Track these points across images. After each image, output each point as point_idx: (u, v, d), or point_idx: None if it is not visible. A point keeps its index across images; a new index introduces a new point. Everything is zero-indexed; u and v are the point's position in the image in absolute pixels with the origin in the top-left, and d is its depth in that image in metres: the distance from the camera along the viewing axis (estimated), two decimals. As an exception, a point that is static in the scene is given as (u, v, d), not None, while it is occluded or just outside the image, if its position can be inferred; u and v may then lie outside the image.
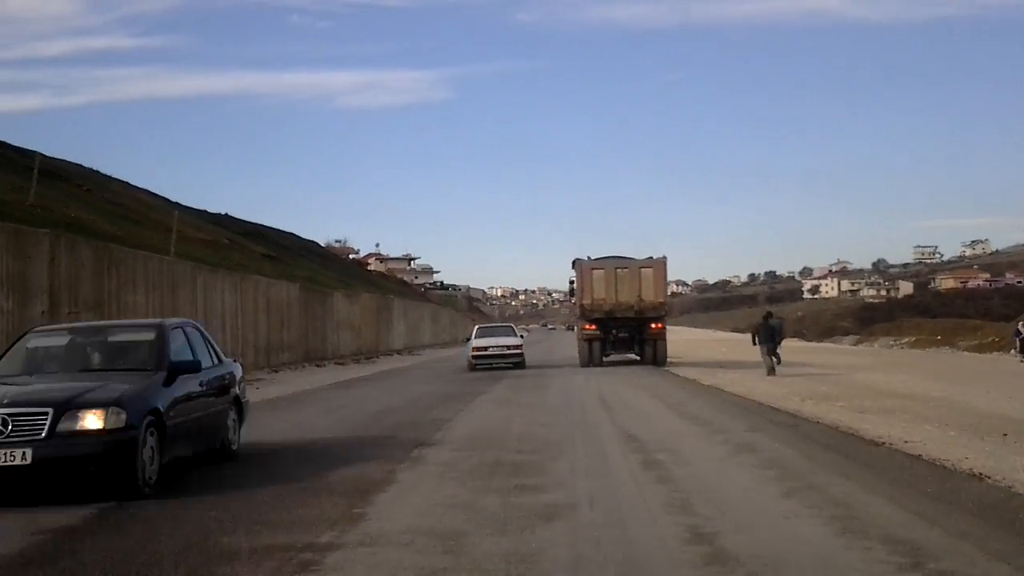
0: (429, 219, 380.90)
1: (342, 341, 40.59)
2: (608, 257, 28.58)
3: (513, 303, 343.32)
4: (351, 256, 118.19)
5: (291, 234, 74.53)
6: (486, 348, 29.31)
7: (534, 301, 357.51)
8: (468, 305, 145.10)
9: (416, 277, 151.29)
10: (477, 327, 34.35)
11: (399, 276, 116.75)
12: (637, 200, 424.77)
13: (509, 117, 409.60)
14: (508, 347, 29.50)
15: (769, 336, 23.64)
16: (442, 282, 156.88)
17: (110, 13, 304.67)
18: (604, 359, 28.65)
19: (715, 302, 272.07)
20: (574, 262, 30.19)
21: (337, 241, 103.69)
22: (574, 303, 32.06)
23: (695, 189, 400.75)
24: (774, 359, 23.31)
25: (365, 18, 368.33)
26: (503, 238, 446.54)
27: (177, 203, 48.75)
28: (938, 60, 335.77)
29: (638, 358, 29.14)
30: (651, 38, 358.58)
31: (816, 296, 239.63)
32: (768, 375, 22.37)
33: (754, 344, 24.06)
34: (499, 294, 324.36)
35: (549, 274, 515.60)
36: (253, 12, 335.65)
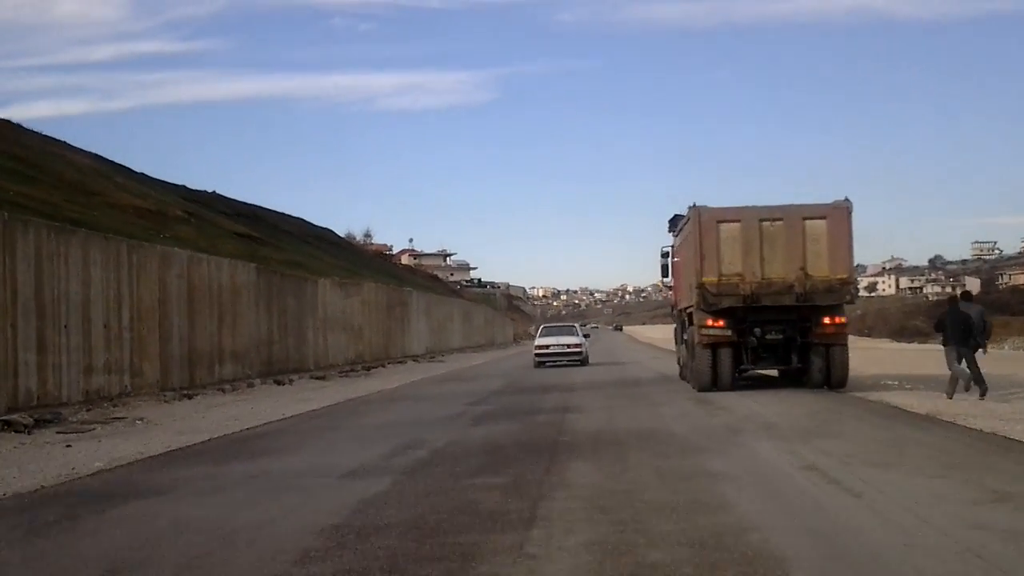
0: (469, 219, 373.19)
1: (332, 346, 29.95)
2: (748, 207, 16.22)
3: (554, 303, 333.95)
4: (386, 253, 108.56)
5: (299, 219, 64.32)
6: (548, 346, 30.59)
7: (576, 301, 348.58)
8: (507, 304, 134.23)
9: (452, 274, 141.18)
10: (542, 327, 37.45)
11: (432, 272, 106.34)
12: (680, 199, 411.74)
13: (551, 117, 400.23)
14: (569, 346, 30.63)
15: (961, 331, 13.98)
16: (479, 279, 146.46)
17: (155, 18, 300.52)
18: (739, 376, 16.59)
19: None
20: (672, 221, 19.31)
21: (366, 236, 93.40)
22: (672, 289, 21.14)
23: (739, 187, 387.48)
24: (970, 368, 13.84)
25: (406, 20, 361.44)
26: (545, 238, 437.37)
27: (128, 169, 38.50)
28: (987, 57, 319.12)
29: (789, 369, 16.61)
30: (694, 37, 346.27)
31: (873, 294, 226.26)
32: (979, 396, 13.48)
33: (945, 344, 14.26)
34: (540, 294, 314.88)
35: (591, 274, 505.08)
36: (295, 15, 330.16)
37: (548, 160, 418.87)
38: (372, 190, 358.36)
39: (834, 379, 15.93)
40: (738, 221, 15.87)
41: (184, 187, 47.45)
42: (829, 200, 16.07)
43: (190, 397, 17.50)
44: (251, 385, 20.93)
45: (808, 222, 15.77)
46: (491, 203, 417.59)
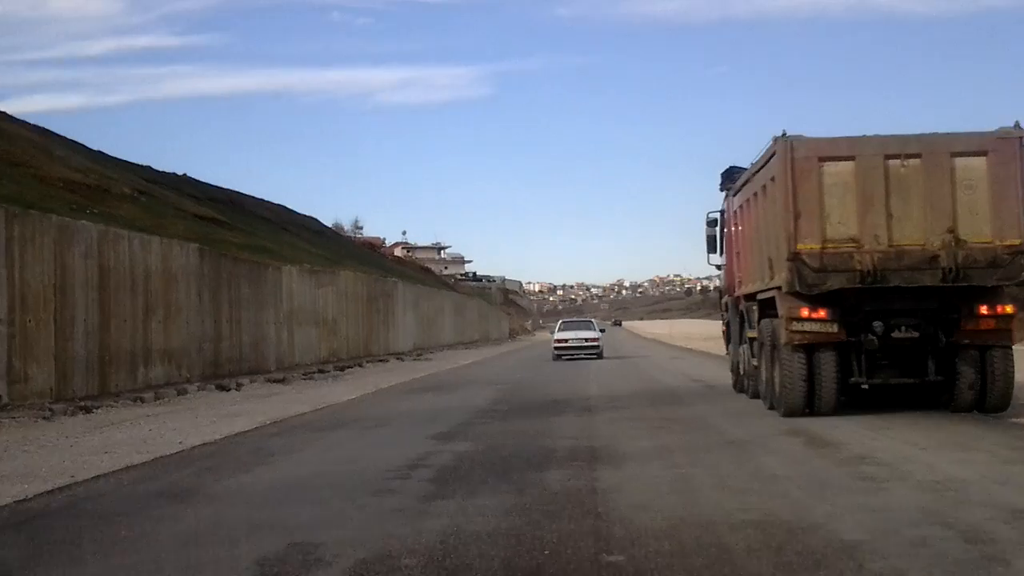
0: (466, 214, 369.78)
1: (300, 342, 25.97)
2: (867, 138, 10.85)
3: (551, 298, 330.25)
4: (377, 244, 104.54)
5: (281, 206, 60.22)
6: (567, 340, 32.25)
7: (572, 296, 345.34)
8: (503, 298, 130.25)
9: (446, 268, 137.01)
10: (561, 322, 38.24)
11: (424, 265, 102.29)
12: (679, 194, 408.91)
13: (549, 112, 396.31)
14: (587, 340, 32.20)
15: None
16: (475, 273, 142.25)
17: (152, 12, 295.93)
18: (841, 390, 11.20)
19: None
20: (728, 175, 14.58)
21: (356, 226, 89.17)
22: (724, 269, 15.67)
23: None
24: None
25: (404, 15, 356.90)
26: (541, 233, 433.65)
27: (82, 146, 34.42)
28: (986, 52, 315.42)
29: (923, 383, 11.01)
30: (693, 32, 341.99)
31: None
32: None
33: None
34: (536, 289, 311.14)
35: (587, 269, 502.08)
36: (292, 9, 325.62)
37: (546, 155, 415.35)
38: (368, 184, 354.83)
39: (991, 399, 10.76)
40: (852, 159, 10.50)
41: (149, 167, 43.37)
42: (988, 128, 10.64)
43: (89, 410, 13.47)
44: (184, 392, 16.90)
45: (960, 160, 10.39)
46: (487, 198, 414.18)
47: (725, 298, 15.83)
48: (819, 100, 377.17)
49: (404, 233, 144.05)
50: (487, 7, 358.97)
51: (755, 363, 12.49)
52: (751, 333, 12.84)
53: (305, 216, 63.32)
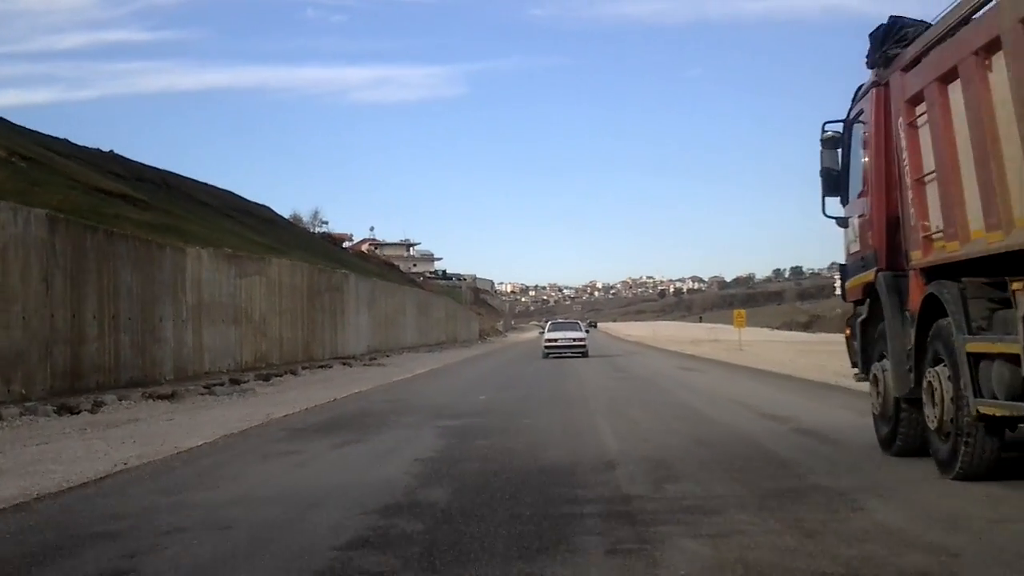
0: (438, 213, 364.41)
1: (212, 344, 20.61)
2: None
3: (523, 299, 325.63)
4: (334, 235, 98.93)
5: (228, 192, 54.53)
6: (556, 340, 34.56)
7: (544, 297, 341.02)
8: (474, 297, 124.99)
9: (415, 265, 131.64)
10: (550, 323, 41.46)
11: (388, 260, 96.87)
12: (653, 196, 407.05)
13: (523, 113, 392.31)
14: (574, 339, 34.47)
15: None
16: (444, 271, 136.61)
17: (124, 7, 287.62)
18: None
19: (739, 298, 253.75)
20: (881, 37, 7.66)
21: (316, 218, 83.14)
22: (860, 220, 8.35)
23: (710, 186, 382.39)
24: None
25: (379, 13, 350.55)
26: (514, 234, 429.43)
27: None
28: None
29: None
30: (667, 34, 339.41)
31: None
32: None
33: None
34: (508, 289, 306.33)
35: (560, 270, 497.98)
36: (268, 6, 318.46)
37: (520, 156, 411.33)
38: (341, 182, 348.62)
39: None
40: None
41: (66, 140, 37.72)
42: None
43: None
44: (-6, 418, 11.53)
45: None
46: (461, 198, 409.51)
47: (858, 278, 8.63)
48: (792, 105, 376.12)
49: (372, 229, 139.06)
50: (462, 7, 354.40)
51: (964, 398, 6.19)
52: (968, 343, 6.12)
53: (255, 204, 57.66)
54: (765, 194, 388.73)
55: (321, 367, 26.45)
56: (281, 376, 22.46)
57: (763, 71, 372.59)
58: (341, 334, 32.45)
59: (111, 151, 41.89)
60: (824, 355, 30.28)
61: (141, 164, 43.85)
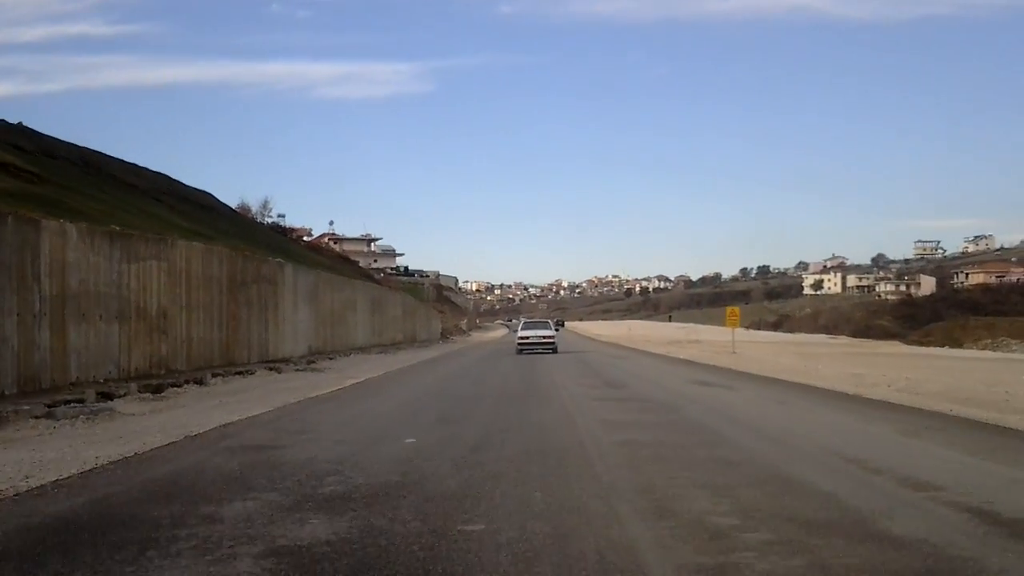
0: (404, 210, 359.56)
1: (80, 346, 15.89)
2: None
3: (488, 297, 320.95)
4: (305, 238, 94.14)
5: (163, 175, 49.40)
6: (528, 337, 37.84)
7: (510, 296, 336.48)
8: (437, 294, 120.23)
9: (375, 260, 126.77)
10: (523, 321, 50.57)
11: (344, 254, 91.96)
12: (618, 195, 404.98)
13: (490, 111, 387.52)
14: (544, 337, 37.76)
15: None
16: (406, 267, 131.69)
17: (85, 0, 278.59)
18: None
19: (707, 297, 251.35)
20: None
21: (265, 209, 77.84)
22: None
23: (680, 184, 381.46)
24: None
25: (346, 8, 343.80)
26: (479, 232, 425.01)
27: None
28: (926, 59, 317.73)
29: None
30: (637, 33, 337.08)
31: (820, 292, 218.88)
32: None
33: None
34: (474, 288, 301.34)
35: (525, 269, 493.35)
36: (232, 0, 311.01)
37: (486, 154, 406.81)
38: (304, 178, 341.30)
39: None
40: None
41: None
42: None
43: None
44: None
45: None
46: (426, 195, 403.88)
47: None
48: (758, 104, 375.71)
49: (331, 223, 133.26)
50: (432, 3, 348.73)
51: None
52: None
53: (194, 190, 52.53)
54: (731, 193, 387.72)
55: (240, 374, 21.79)
56: (181, 387, 17.83)
57: (729, 70, 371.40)
58: (274, 333, 27.78)
59: (20, 123, 36.76)
60: (832, 359, 26.14)
61: (55, 140, 38.74)
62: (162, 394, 16.54)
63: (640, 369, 25.80)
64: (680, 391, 17.25)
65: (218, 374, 20.74)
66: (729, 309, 35.18)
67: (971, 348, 54.08)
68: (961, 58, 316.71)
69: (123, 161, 45.56)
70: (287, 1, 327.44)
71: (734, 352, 30.43)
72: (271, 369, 24.08)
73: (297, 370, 25.03)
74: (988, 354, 42.76)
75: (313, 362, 28.68)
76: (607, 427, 11.06)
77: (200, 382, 19.04)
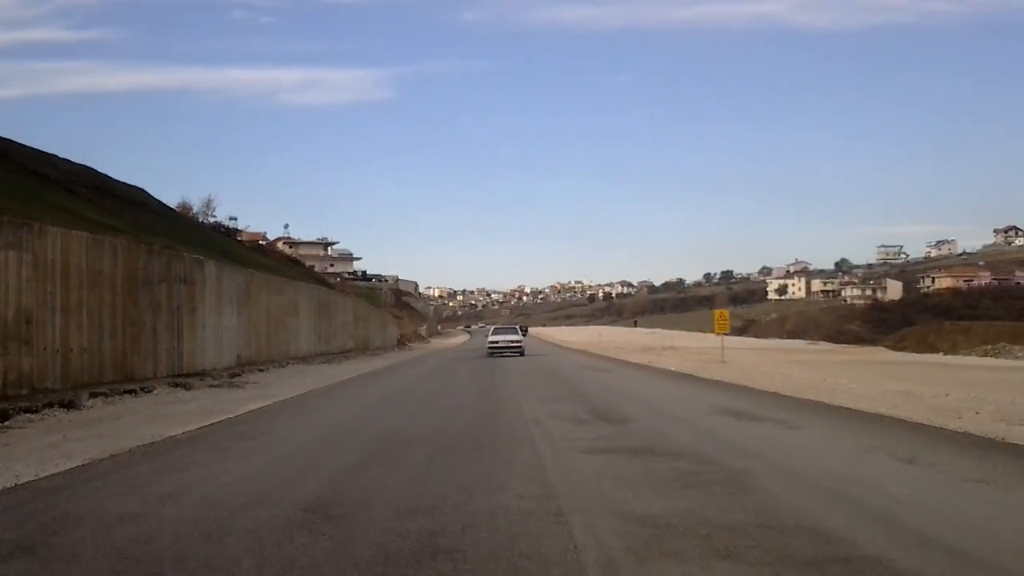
0: (365, 216, 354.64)
1: None
2: None
3: (450, 303, 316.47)
4: (261, 242, 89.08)
5: (86, 167, 44.83)
6: (498, 342, 42.04)
7: (472, 302, 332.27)
8: (395, 299, 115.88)
9: (332, 264, 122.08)
10: (493, 327, 54.82)
11: (294, 256, 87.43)
12: (581, 201, 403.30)
13: (452, 117, 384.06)
14: (512, 341, 42.01)
15: None
16: (364, 272, 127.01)
17: (46, 4, 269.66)
18: None
19: (671, 303, 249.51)
20: None
21: (208, 207, 72.83)
22: None
23: (642, 190, 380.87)
24: None
25: (308, 14, 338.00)
26: (441, 238, 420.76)
27: None
28: (887, 67, 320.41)
29: None
30: (599, 40, 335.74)
31: (784, 297, 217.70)
32: None
33: None
34: (436, 294, 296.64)
35: (488, 275, 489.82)
36: (193, 5, 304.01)
37: (448, 160, 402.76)
38: (262, 184, 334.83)
39: None
40: None
41: None
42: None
43: None
44: None
45: None
46: (387, 201, 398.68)
47: None
48: (720, 111, 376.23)
49: (287, 227, 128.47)
50: (393, 9, 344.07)
51: None
52: None
53: (124, 185, 47.95)
54: (694, 199, 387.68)
55: (131, 392, 17.67)
56: (37, 412, 13.79)
57: (691, 78, 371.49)
58: (190, 342, 23.62)
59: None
60: (842, 370, 22.64)
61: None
62: (3, 423, 12.50)
63: (631, 387, 20.58)
64: (715, 433, 11.15)
65: (101, 393, 16.64)
66: (717, 312, 30.62)
67: (969, 355, 51.26)
68: (922, 66, 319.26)
69: (39, 151, 41.00)
70: (249, 7, 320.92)
71: (724, 361, 26.73)
72: (177, 385, 19.96)
73: (212, 386, 20.96)
74: (997, 362, 39.72)
75: (238, 375, 24.59)
76: (644, 553, 5.12)
77: (69, 405, 14.97)
